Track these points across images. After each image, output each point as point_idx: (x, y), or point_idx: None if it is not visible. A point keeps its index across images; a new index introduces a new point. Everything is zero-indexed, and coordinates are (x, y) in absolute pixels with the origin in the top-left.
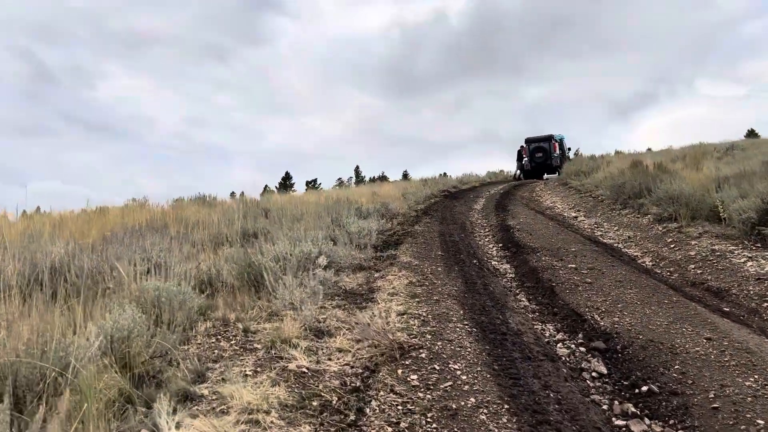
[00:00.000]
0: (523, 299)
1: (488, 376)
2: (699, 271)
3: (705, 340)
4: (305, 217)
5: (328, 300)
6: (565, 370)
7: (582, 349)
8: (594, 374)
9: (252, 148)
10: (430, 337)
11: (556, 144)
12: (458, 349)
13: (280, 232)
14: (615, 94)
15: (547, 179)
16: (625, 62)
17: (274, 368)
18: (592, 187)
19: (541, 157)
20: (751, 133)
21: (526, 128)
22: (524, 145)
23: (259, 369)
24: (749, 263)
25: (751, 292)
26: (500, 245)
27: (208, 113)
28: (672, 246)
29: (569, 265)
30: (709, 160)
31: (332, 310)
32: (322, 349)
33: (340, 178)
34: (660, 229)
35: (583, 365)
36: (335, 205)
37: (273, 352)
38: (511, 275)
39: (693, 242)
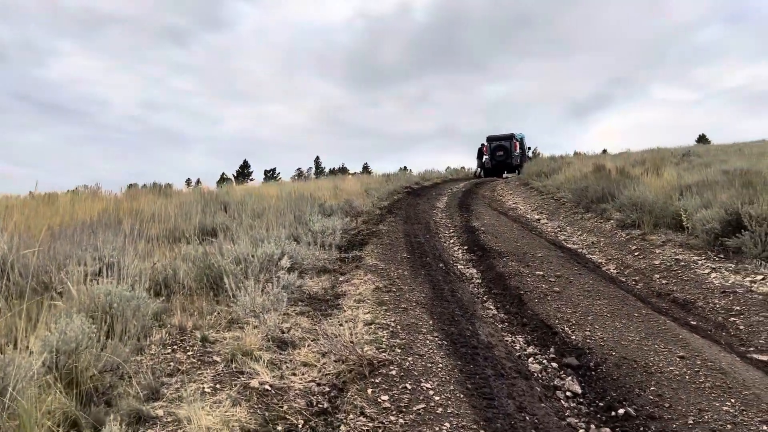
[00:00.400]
0: (491, 307)
1: (462, 396)
2: (664, 282)
3: (678, 359)
4: (267, 213)
5: (292, 306)
6: (538, 389)
7: (554, 365)
8: (568, 393)
9: (209, 134)
10: (400, 351)
11: (517, 143)
12: (429, 365)
13: (241, 231)
14: (573, 95)
15: (507, 178)
16: (583, 63)
17: (235, 385)
18: (554, 189)
19: (502, 155)
20: (702, 139)
21: (486, 125)
22: (485, 143)
23: (218, 386)
24: (713, 275)
25: (717, 306)
26: (465, 248)
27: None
28: (636, 254)
29: (536, 272)
30: (669, 166)
31: (296, 317)
32: (286, 363)
33: (299, 169)
34: (623, 235)
35: (556, 383)
36: (298, 201)
37: (233, 365)
38: (477, 280)
39: (657, 251)
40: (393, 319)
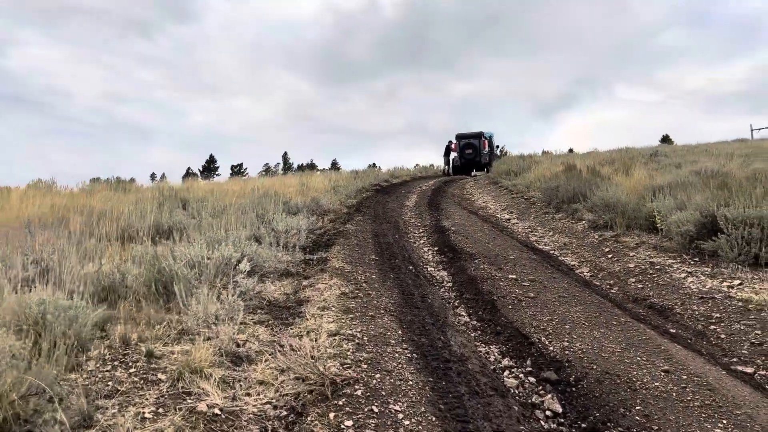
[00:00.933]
0: (463, 314)
1: (434, 419)
2: (640, 286)
3: (663, 373)
4: (227, 211)
5: (250, 314)
6: (516, 408)
7: (531, 379)
8: (548, 413)
9: (175, 128)
10: (366, 366)
11: (486, 141)
12: (399, 382)
13: (198, 231)
14: (539, 94)
15: (476, 176)
16: (550, 63)
17: (180, 409)
18: (524, 188)
19: (471, 153)
20: (666, 139)
21: (454, 123)
22: (454, 141)
23: (161, 410)
24: (690, 279)
25: (696, 313)
26: (436, 249)
27: (130, 89)
28: (610, 256)
29: (509, 276)
30: (638, 166)
31: (254, 327)
32: (240, 381)
33: (267, 164)
34: (596, 237)
35: (534, 400)
36: (262, 199)
37: (180, 385)
38: (448, 284)
39: (631, 253)
40: (359, 329)
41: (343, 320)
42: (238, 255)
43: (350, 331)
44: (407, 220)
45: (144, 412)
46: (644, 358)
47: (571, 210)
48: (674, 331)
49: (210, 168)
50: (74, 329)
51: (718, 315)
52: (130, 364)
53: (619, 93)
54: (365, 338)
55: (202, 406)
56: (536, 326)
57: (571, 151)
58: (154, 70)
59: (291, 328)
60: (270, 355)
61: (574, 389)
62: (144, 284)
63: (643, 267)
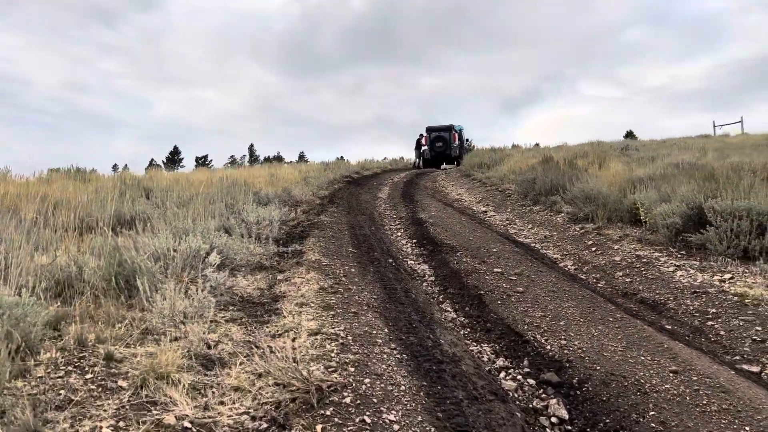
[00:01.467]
0: (449, 310)
1: (434, 430)
2: (628, 280)
3: (671, 374)
4: (194, 201)
5: (222, 311)
6: (519, 415)
7: (531, 381)
8: (554, 420)
9: (139, 119)
10: (353, 369)
11: (456, 134)
12: (390, 387)
13: (163, 221)
14: (505, 89)
15: (446, 169)
16: (516, 58)
17: (144, 422)
18: (498, 181)
19: (441, 146)
20: (629, 134)
21: (422, 117)
22: (425, 134)
23: (122, 423)
24: (679, 273)
25: (691, 308)
26: (414, 241)
27: (92, 78)
28: (594, 249)
29: (494, 269)
30: (613, 159)
31: (226, 326)
32: (212, 388)
33: (233, 156)
34: (577, 229)
35: (536, 405)
36: (230, 189)
37: (144, 393)
38: (431, 278)
39: (615, 246)
40: (343, 327)
41: (324, 317)
42: (207, 247)
43: (333, 330)
44: (382, 212)
45: (101, 426)
46: (648, 358)
47: (549, 202)
48: (670, 327)
49: (174, 159)
50: (22, 329)
51: (714, 310)
52: (87, 369)
53: (583, 89)
54: (350, 337)
55: (169, 418)
56: (529, 323)
57: (537, 145)
58: (117, 59)
59: (267, 327)
60: (245, 357)
61: (578, 392)
62: (103, 278)
63: (629, 260)
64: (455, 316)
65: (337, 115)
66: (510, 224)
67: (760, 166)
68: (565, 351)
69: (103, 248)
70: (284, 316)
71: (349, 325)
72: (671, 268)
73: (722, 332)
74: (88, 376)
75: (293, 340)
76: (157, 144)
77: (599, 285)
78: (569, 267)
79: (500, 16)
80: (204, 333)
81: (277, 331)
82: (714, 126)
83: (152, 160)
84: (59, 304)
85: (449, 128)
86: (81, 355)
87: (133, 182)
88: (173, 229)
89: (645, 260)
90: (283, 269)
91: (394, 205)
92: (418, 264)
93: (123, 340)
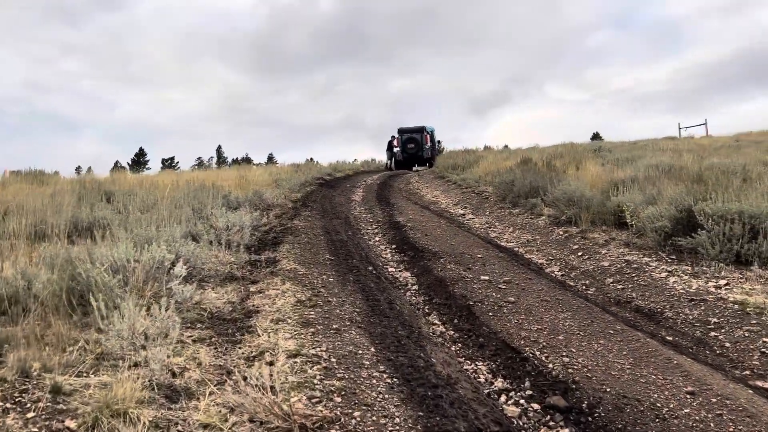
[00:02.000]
0: (437, 322)
1: None
2: (620, 287)
3: (688, 396)
4: (159, 205)
5: (188, 329)
6: None
7: (535, 406)
8: None
9: (104, 120)
10: (340, 399)
11: (428, 136)
12: (384, 421)
13: (124, 228)
14: (474, 91)
15: (418, 170)
16: (485, 60)
17: None
18: (473, 183)
19: (413, 148)
20: (596, 136)
21: (392, 118)
22: (396, 135)
23: None
24: (672, 279)
25: (690, 317)
26: (394, 247)
27: (54, 79)
28: (580, 254)
29: (481, 277)
30: (589, 161)
31: (193, 347)
32: (177, 425)
33: (200, 158)
34: (560, 233)
35: None
36: (198, 192)
37: None
38: (414, 287)
39: (602, 251)
40: (325, 347)
41: (303, 336)
42: (173, 257)
43: (314, 351)
44: (358, 216)
45: None
46: (660, 376)
47: (529, 205)
48: (672, 338)
49: (140, 161)
50: None
51: (715, 320)
52: (29, 405)
53: (550, 92)
54: (333, 359)
55: None
56: (526, 337)
57: (507, 146)
58: (80, 59)
59: (240, 348)
60: (216, 386)
61: (590, 419)
62: (55, 294)
63: (618, 266)
64: (444, 329)
65: (307, 116)
66: (490, 227)
67: (740, 167)
68: (570, 370)
69: (56, 259)
70: (259, 335)
71: (331, 345)
72: (663, 274)
73: (727, 344)
74: (30, 414)
75: (270, 364)
76: (123, 145)
77: (590, 292)
78: (556, 273)
79: (469, 17)
80: (168, 357)
81: (252, 352)
82: (679, 128)
83: (117, 161)
84: (2, 323)
85: (421, 130)
86: (23, 387)
87: (94, 185)
88: (135, 238)
89: (635, 265)
90: (257, 280)
91: (370, 207)
92: (400, 271)
93: (74, 367)
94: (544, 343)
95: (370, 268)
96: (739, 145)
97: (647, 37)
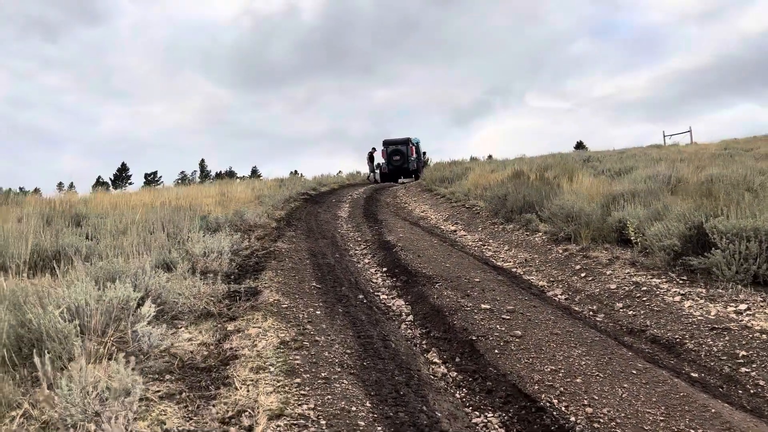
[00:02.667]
0: (438, 361)
1: None
2: (631, 313)
3: None
4: (132, 229)
5: (155, 381)
6: None
7: None
8: None
9: (85, 135)
10: None
11: (413, 147)
12: None
13: (90, 259)
14: (456, 101)
15: (404, 182)
16: (466, 71)
17: None
18: (462, 197)
19: (399, 160)
20: (580, 145)
21: (375, 129)
22: (379, 148)
23: None
24: (687, 304)
25: (714, 349)
26: (385, 270)
27: (34, 94)
28: (583, 275)
29: (482, 305)
30: (581, 172)
31: (160, 405)
32: None
33: (183, 172)
34: (560, 251)
35: None
36: (174, 213)
37: None
38: (409, 318)
39: (607, 271)
40: (313, 404)
41: (287, 388)
42: (140, 294)
43: (300, 409)
44: (345, 234)
45: None
46: None
47: (523, 220)
48: (698, 375)
49: (122, 176)
50: None
51: (743, 353)
52: None
53: (530, 101)
54: (323, 421)
55: None
56: (539, 381)
57: (491, 157)
58: (61, 74)
59: (214, 406)
60: None
61: None
62: (2, 344)
63: (626, 288)
64: (446, 370)
65: (290, 128)
66: (484, 245)
67: (741, 178)
68: (595, 424)
69: (2, 302)
70: (237, 388)
71: (320, 400)
72: (677, 298)
73: (761, 382)
74: None
75: (249, 429)
76: (105, 159)
77: (599, 319)
78: (560, 297)
79: (451, 29)
80: (129, 421)
81: (227, 412)
82: (664, 136)
83: (99, 177)
84: None
85: (406, 141)
86: None
87: (65, 207)
88: (100, 272)
89: (644, 288)
90: (236, 315)
91: (357, 225)
92: (393, 299)
93: None
94: (561, 389)
95: (361, 296)
96: (730, 153)
97: (623, 45)
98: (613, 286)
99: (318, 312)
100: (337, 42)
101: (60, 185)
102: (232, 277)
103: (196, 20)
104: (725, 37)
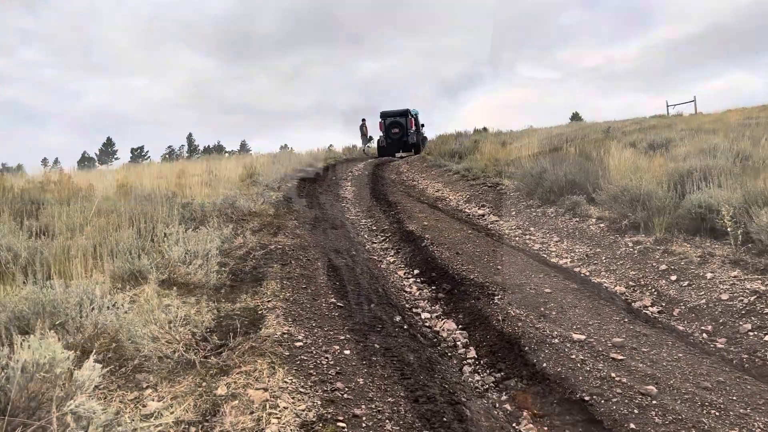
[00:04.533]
0: None
1: None
2: (766, 339)
3: None
4: (91, 226)
5: None
6: None
7: None
8: None
9: (68, 110)
10: None
11: (412, 119)
12: None
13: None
14: (445, 72)
15: (403, 157)
16: (456, 41)
17: None
18: (480, 173)
19: (398, 133)
20: (576, 116)
21: (363, 101)
22: (379, 119)
23: None
24: None
25: None
26: (417, 273)
27: (12, 68)
28: (674, 279)
29: (573, 336)
30: (615, 146)
31: None
32: None
33: (170, 147)
34: (629, 244)
35: None
36: (148, 201)
37: None
38: (471, 354)
39: (705, 273)
40: None
41: None
42: (69, 356)
43: None
44: (356, 221)
45: None
46: None
47: (569, 204)
48: None
49: (108, 152)
50: None
51: None
52: None
53: (521, 71)
54: None
55: None
56: None
57: (485, 129)
58: (40, 47)
59: None
60: None
61: None
62: None
63: (744, 299)
64: None
65: (279, 101)
66: (526, 235)
67: None
68: None
69: None
70: None
71: None
72: None
73: None
74: None
75: None
76: (90, 135)
77: (718, 345)
78: (650, 309)
79: None
80: None
81: None
82: (667, 106)
83: (85, 152)
84: None
85: (405, 113)
86: None
87: (25, 193)
88: (26, 304)
89: None
90: (228, 365)
91: (368, 209)
92: (438, 319)
93: None
94: None
95: (397, 318)
96: (756, 122)
97: (614, 15)
98: (725, 297)
99: (347, 352)
100: (325, 12)
101: (44, 161)
102: (223, 291)
103: None
104: (717, 4)
